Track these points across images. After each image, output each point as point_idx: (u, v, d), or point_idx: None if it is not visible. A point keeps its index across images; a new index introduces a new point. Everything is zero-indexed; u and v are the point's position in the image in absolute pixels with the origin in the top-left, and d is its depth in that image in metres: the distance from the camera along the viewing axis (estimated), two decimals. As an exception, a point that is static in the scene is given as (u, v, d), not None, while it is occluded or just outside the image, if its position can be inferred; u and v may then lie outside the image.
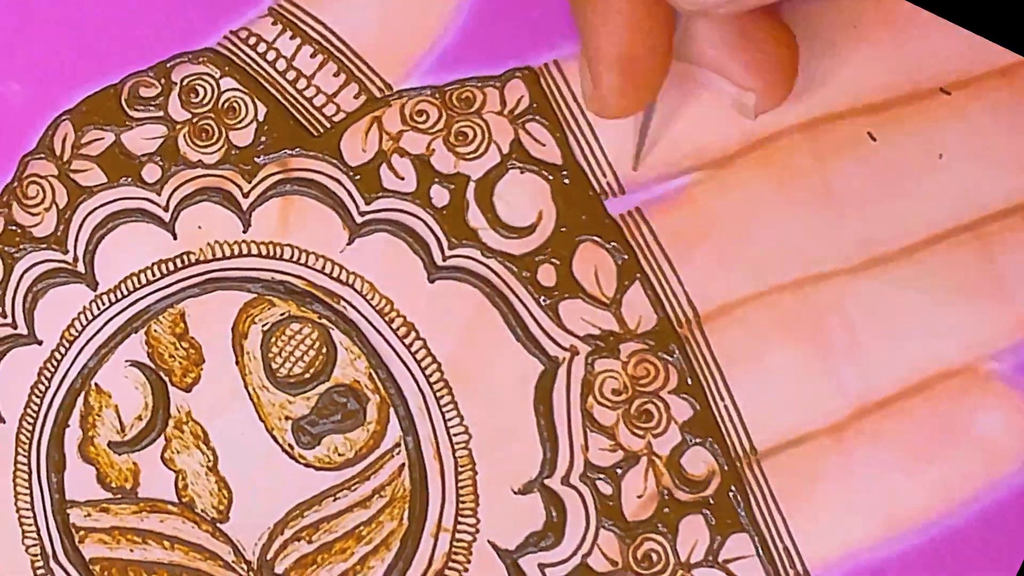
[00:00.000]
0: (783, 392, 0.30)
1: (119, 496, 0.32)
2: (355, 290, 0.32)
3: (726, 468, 0.30)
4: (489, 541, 0.31)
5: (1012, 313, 0.30)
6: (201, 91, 0.33)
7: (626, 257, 0.31)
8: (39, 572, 0.32)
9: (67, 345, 0.32)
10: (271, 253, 0.32)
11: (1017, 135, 0.30)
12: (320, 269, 0.32)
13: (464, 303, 0.31)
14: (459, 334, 0.31)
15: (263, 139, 0.32)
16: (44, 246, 0.33)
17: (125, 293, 0.32)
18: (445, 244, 0.31)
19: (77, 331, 0.32)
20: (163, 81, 0.33)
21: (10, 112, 0.33)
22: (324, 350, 0.32)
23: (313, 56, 0.32)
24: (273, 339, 0.32)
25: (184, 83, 0.33)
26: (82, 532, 0.32)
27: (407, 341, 0.31)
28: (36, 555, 0.32)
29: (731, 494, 0.30)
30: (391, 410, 0.31)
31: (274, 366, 0.32)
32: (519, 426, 0.31)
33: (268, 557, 0.31)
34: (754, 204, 0.31)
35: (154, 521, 0.32)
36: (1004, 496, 0.29)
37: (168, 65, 0.33)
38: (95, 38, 0.33)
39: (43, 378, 0.32)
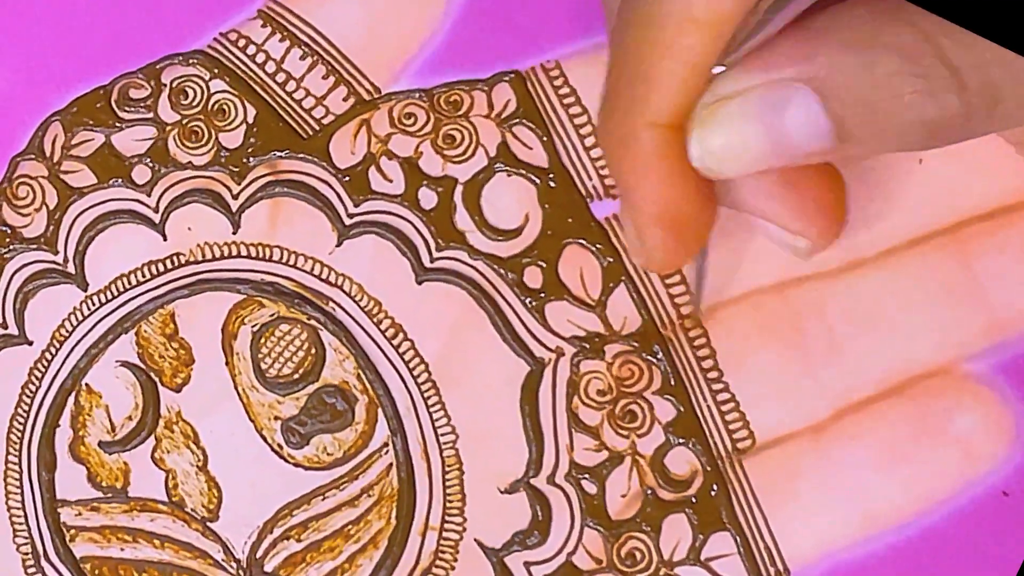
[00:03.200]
0: (764, 393, 0.31)
1: (110, 495, 0.32)
2: (344, 291, 0.32)
3: (708, 468, 0.31)
4: (476, 539, 0.31)
5: (988, 315, 0.30)
6: (191, 93, 0.33)
7: (611, 259, 0.31)
8: (30, 571, 0.32)
9: (58, 345, 0.32)
10: (260, 255, 0.32)
11: (995, 139, 0.30)
12: (309, 271, 0.32)
13: (451, 304, 0.32)
14: (446, 335, 0.31)
15: (252, 141, 0.32)
16: (34, 247, 0.33)
17: (115, 294, 0.32)
18: (433, 246, 0.32)
19: (68, 331, 0.32)
20: (153, 83, 0.33)
21: (0, 113, 0.33)
22: (313, 351, 0.32)
23: (302, 59, 0.33)
24: (263, 340, 0.32)
25: (174, 85, 0.33)
26: (73, 531, 0.32)
27: (395, 342, 0.32)
28: (27, 554, 0.32)
29: (713, 493, 0.30)
30: (379, 410, 0.32)
31: (263, 366, 0.32)
32: (505, 426, 0.31)
33: (258, 555, 0.32)
34: (736, 208, 0.31)
35: (144, 520, 0.32)
36: (980, 495, 0.30)
37: (158, 67, 0.33)
38: (85, 39, 0.33)
39: (34, 378, 0.33)
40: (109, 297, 0.32)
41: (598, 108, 0.25)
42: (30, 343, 0.33)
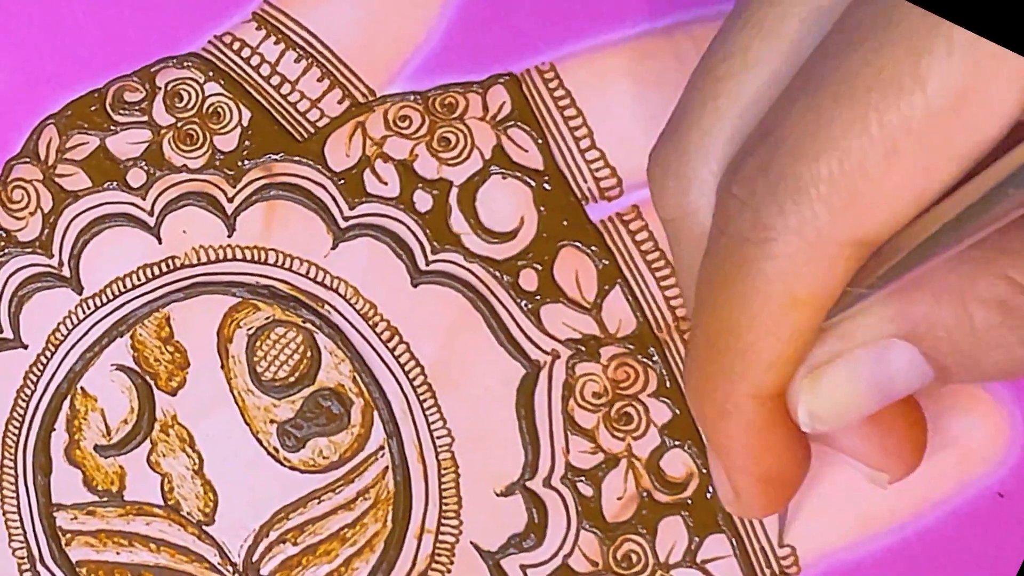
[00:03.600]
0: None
1: (105, 499, 0.32)
2: (339, 294, 0.32)
3: (704, 470, 0.31)
4: (472, 542, 0.31)
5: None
6: (185, 96, 0.33)
7: (606, 262, 0.31)
8: (26, 575, 0.32)
9: (53, 349, 0.32)
10: (256, 258, 0.32)
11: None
12: (304, 273, 0.32)
13: (447, 307, 0.32)
14: (442, 338, 0.31)
15: (247, 144, 0.32)
16: (29, 250, 0.33)
17: (110, 297, 0.32)
18: (428, 249, 0.32)
19: (63, 335, 0.32)
20: (147, 86, 0.33)
21: (-6, 116, 0.33)
22: (309, 354, 0.32)
23: (297, 61, 0.33)
24: (258, 343, 0.32)
25: (169, 88, 0.33)
26: (69, 535, 0.32)
27: (391, 345, 0.32)
28: (23, 558, 0.32)
29: (709, 496, 0.30)
30: (375, 413, 0.32)
31: (259, 370, 0.32)
32: (501, 429, 0.31)
33: (254, 559, 0.32)
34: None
35: (140, 524, 0.32)
36: (976, 496, 0.30)
37: (152, 70, 0.33)
38: (79, 42, 0.33)
39: (29, 382, 0.32)
40: (104, 300, 0.32)
41: (686, 373, 0.25)
42: (25, 347, 0.33)
